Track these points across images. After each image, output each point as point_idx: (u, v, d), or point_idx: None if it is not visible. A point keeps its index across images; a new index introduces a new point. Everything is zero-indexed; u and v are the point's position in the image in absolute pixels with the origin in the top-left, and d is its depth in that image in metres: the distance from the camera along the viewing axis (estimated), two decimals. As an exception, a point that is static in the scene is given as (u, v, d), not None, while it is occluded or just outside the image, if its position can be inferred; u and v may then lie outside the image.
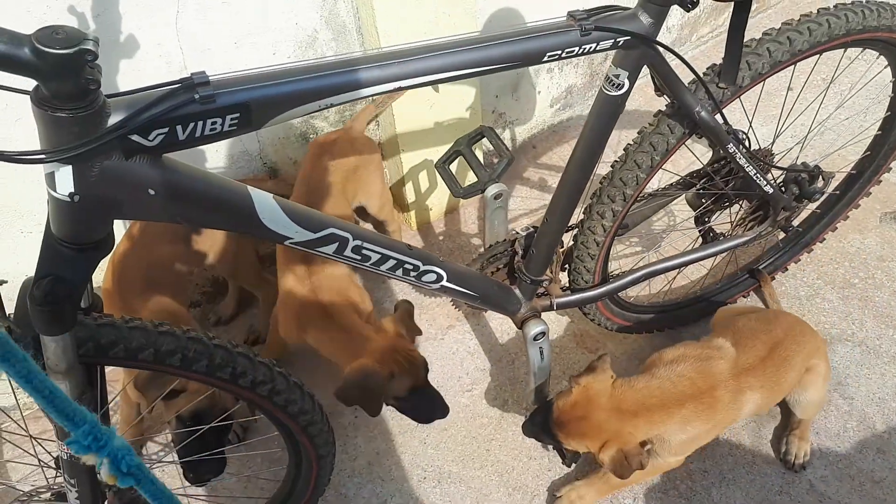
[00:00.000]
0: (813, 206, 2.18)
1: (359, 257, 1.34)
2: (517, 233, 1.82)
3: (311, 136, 2.32)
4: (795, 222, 2.03)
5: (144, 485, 0.62)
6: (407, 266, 1.44)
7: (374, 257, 1.37)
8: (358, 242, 1.32)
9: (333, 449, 1.65)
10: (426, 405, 1.82)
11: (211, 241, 2.03)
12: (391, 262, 1.40)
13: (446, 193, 2.65)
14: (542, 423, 1.77)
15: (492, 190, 1.84)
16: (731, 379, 1.73)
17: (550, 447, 2.05)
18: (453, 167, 1.97)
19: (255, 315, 2.43)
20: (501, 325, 2.42)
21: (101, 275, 1.90)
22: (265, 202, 1.17)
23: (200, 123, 0.98)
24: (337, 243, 1.28)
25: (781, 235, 2.34)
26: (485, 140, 1.94)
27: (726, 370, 1.74)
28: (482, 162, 1.91)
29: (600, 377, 1.73)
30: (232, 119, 1.00)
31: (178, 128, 0.97)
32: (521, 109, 2.88)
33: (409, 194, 2.57)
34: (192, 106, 0.96)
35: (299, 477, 1.70)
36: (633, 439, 1.65)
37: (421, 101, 2.27)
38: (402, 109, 2.26)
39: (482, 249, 1.90)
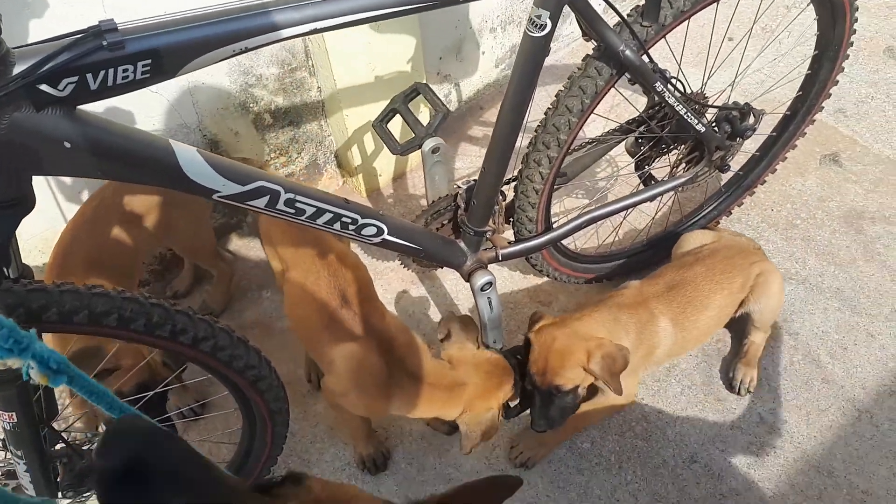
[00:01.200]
0: (751, 148, 2.23)
1: (293, 211, 1.34)
2: (458, 186, 1.83)
3: (252, 105, 2.30)
4: (733, 164, 2.06)
5: (77, 381, 0.63)
6: (345, 219, 1.45)
7: (309, 210, 1.37)
8: (291, 195, 1.32)
9: (286, 405, 1.65)
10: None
11: (167, 221, 2.01)
12: (327, 216, 1.41)
13: (393, 157, 2.65)
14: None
15: (429, 144, 1.84)
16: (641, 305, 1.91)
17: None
18: (396, 129, 1.97)
19: (208, 291, 2.42)
20: (456, 286, 2.44)
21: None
22: (189, 155, 1.16)
23: (111, 71, 0.97)
24: (268, 196, 1.28)
25: (724, 181, 2.39)
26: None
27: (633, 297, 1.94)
28: (419, 119, 1.91)
29: (549, 320, 1.82)
30: (144, 66, 1.00)
31: (89, 76, 0.96)
32: (466, 70, 2.88)
33: (356, 158, 2.56)
34: (100, 53, 0.96)
35: (255, 435, 1.70)
36: (608, 344, 1.74)
37: (361, 64, 2.26)
38: (342, 72, 2.24)
39: (426, 206, 1.91)
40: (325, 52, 2.18)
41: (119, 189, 1.91)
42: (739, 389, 2.07)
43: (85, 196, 2.08)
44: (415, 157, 2.76)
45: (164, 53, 1.00)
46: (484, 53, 2.90)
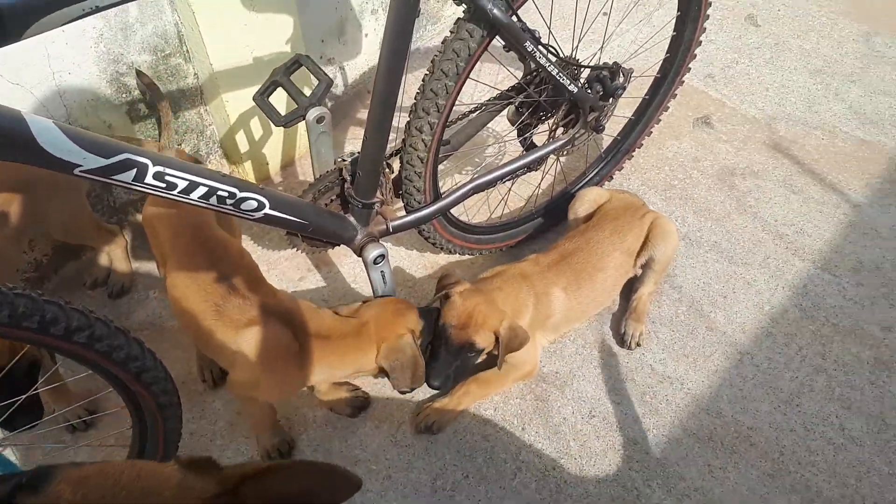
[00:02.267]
0: (627, 112, 2.31)
1: (163, 185, 1.29)
2: (343, 159, 1.81)
3: (124, 95, 2.20)
4: (612, 129, 2.14)
5: None
6: (221, 193, 1.40)
7: (182, 184, 1.32)
8: (160, 168, 1.27)
9: (176, 398, 1.58)
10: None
11: (34, 210, 1.89)
12: (202, 190, 1.36)
13: (281, 142, 2.60)
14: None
15: (313, 113, 1.81)
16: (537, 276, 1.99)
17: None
18: (281, 105, 1.93)
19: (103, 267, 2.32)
20: (353, 270, 2.42)
21: None
22: (44, 127, 1.09)
23: (-58, 35, 0.91)
24: (135, 170, 1.23)
25: (604, 147, 2.47)
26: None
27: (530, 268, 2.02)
28: (302, 91, 1.88)
29: (463, 284, 1.88)
30: (-20, 28, 0.94)
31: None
32: (350, 52, 2.85)
33: (241, 146, 2.49)
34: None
35: (147, 433, 1.62)
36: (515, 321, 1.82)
37: (238, 47, 2.20)
38: (218, 57, 2.18)
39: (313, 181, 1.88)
40: (199, 35, 2.12)
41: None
42: (630, 344, 2.15)
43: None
44: (304, 144, 2.72)
45: (6, 14, 0.94)
46: (367, 36, 2.88)
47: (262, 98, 1.86)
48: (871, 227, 2.48)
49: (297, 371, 1.64)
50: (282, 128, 1.94)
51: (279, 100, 2.04)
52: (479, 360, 1.87)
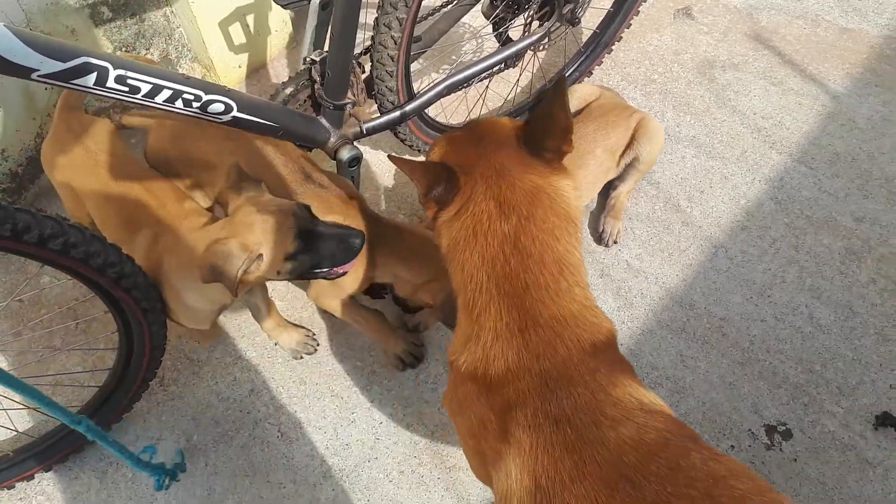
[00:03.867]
0: (605, 4, 2.25)
1: (126, 89, 1.27)
2: (311, 60, 1.76)
3: (86, -3, 2.12)
4: (590, 22, 2.09)
5: None
6: (187, 96, 1.38)
7: (145, 88, 1.30)
8: (121, 72, 1.24)
9: (158, 303, 1.62)
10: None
11: None
12: (167, 93, 1.34)
13: (249, 47, 2.54)
14: None
15: None
16: None
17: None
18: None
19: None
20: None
21: None
22: (-6, 30, 1.07)
23: None
24: (94, 73, 1.20)
25: (583, 41, 2.42)
26: None
27: None
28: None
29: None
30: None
31: None
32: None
33: (211, 49, 2.43)
34: None
35: (132, 337, 1.66)
36: None
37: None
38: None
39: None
40: (157, -71, 2.03)
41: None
42: (607, 242, 2.18)
43: None
44: (276, 44, 2.65)
45: None
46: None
47: None
48: (849, 117, 2.47)
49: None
50: (273, 12, 1.79)
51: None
52: None
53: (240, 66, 2.57)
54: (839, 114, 2.49)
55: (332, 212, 1.66)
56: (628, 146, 2.11)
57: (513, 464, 1.03)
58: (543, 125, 1.20)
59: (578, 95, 2.20)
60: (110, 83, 1.24)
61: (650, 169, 2.21)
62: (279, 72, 2.67)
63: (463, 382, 1.18)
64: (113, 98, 1.28)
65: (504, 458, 1.06)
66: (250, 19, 2.48)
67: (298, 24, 2.67)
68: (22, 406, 1.82)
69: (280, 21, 2.60)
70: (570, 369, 1.07)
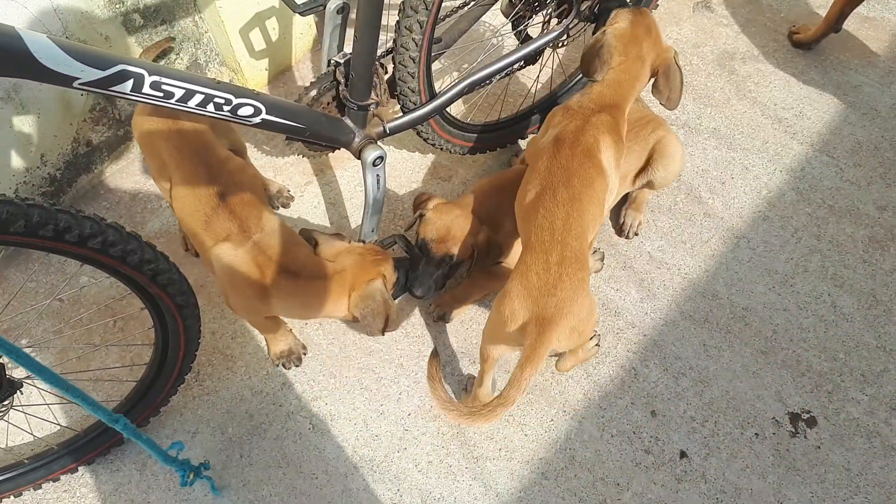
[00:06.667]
0: None
1: (160, 94, 1.33)
2: (336, 62, 1.81)
3: (118, 6, 2.20)
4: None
5: None
6: (218, 100, 1.44)
7: (179, 93, 1.36)
8: (156, 78, 1.30)
9: (192, 298, 1.67)
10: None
11: None
12: (199, 98, 1.40)
13: (275, 50, 2.60)
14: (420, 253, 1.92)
15: (335, 2, 1.76)
16: None
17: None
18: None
19: None
20: (356, 176, 2.46)
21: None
22: (39, 41, 1.13)
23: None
24: (132, 80, 1.26)
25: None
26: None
27: None
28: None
29: (436, 199, 1.95)
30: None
31: None
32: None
33: (238, 54, 2.49)
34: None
35: (168, 333, 1.72)
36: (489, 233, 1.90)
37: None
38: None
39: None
40: (185, -61, 2.09)
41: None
42: (628, 233, 2.21)
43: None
44: (301, 48, 2.71)
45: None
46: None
47: None
48: (872, 106, 2.47)
49: (256, 299, 1.67)
50: (298, 16, 1.85)
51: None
52: (460, 269, 1.95)
53: (266, 69, 2.64)
54: (861, 103, 2.48)
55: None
56: (642, 170, 2.06)
57: None
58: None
59: None
60: (146, 89, 1.30)
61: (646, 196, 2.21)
62: (304, 74, 2.72)
63: None
64: (149, 103, 1.34)
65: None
66: (276, 23, 2.54)
67: (322, 27, 2.72)
68: (64, 401, 1.89)
69: (304, 24, 2.67)
70: None
